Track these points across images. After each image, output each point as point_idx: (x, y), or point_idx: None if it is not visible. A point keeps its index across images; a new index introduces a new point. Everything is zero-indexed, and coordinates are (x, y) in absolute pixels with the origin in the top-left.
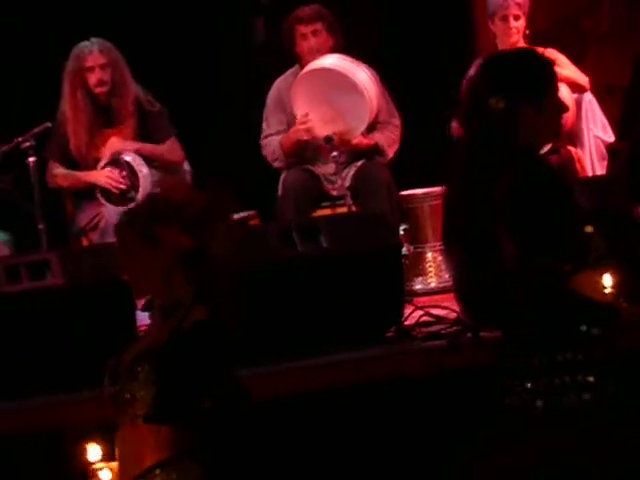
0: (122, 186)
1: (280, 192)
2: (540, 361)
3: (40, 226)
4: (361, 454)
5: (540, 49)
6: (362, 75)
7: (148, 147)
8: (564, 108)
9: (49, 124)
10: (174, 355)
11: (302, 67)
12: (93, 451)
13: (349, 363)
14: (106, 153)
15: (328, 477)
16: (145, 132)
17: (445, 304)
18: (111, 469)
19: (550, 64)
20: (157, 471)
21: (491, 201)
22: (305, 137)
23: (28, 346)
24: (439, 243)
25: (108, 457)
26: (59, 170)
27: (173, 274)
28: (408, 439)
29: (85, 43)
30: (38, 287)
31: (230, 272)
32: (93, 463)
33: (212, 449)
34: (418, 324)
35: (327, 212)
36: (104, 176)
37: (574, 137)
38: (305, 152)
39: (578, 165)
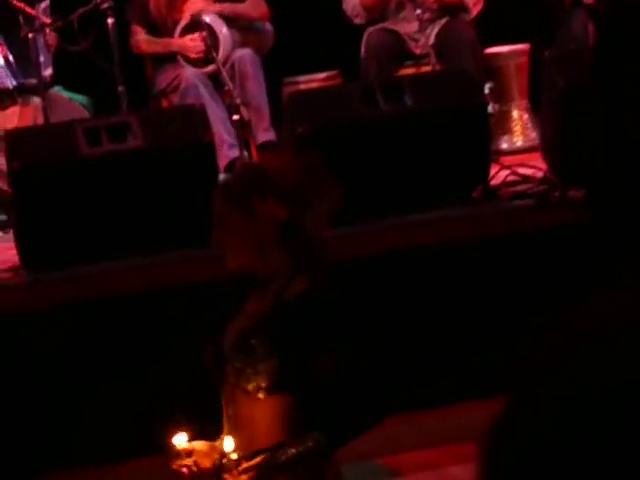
0: (201, 52)
1: (363, 51)
2: None
3: (120, 88)
4: (446, 314)
5: None
6: None
7: (229, 7)
8: None
9: None
10: (289, 323)
11: None
12: (180, 438)
13: (434, 223)
14: (186, 15)
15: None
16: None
17: (532, 163)
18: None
19: None
20: (309, 442)
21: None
22: None
23: (109, 210)
24: (525, 101)
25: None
26: (142, 36)
27: (269, 245)
28: (492, 301)
29: None
30: (119, 149)
31: (327, 243)
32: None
33: (332, 417)
34: (504, 184)
35: (411, 71)
36: (190, 45)
37: None
38: (387, 10)
39: None
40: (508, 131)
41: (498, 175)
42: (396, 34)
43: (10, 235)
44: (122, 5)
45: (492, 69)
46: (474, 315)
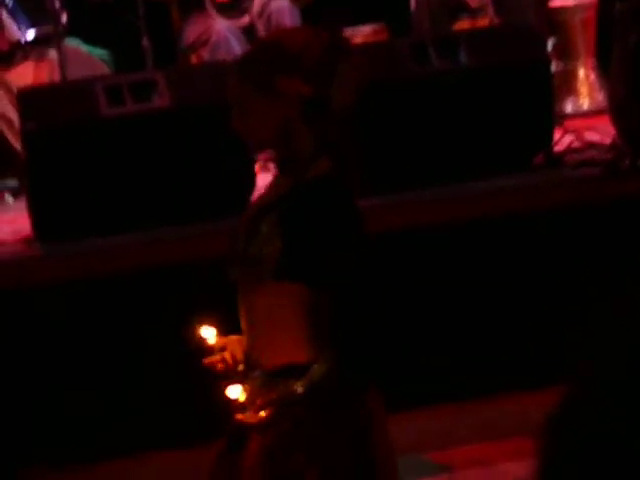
0: None
1: (413, 3)
2: None
3: (144, 42)
4: (505, 287)
5: None
6: None
7: None
8: None
9: None
10: (299, 208)
11: None
12: (207, 331)
13: (491, 193)
14: None
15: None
16: None
17: (600, 127)
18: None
19: None
20: (323, 364)
21: None
22: None
23: (131, 175)
24: (592, 59)
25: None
26: None
27: (293, 125)
28: (555, 281)
29: None
30: (143, 110)
31: (352, 122)
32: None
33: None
34: (569, 150)
35: (466, 24)
36: None
37: None
38: None
39: None
40: (573, 92)
41: (562, 141)
42: None
43: (22, 203)
44: None
45: (556, 23)
46: (534, 297)
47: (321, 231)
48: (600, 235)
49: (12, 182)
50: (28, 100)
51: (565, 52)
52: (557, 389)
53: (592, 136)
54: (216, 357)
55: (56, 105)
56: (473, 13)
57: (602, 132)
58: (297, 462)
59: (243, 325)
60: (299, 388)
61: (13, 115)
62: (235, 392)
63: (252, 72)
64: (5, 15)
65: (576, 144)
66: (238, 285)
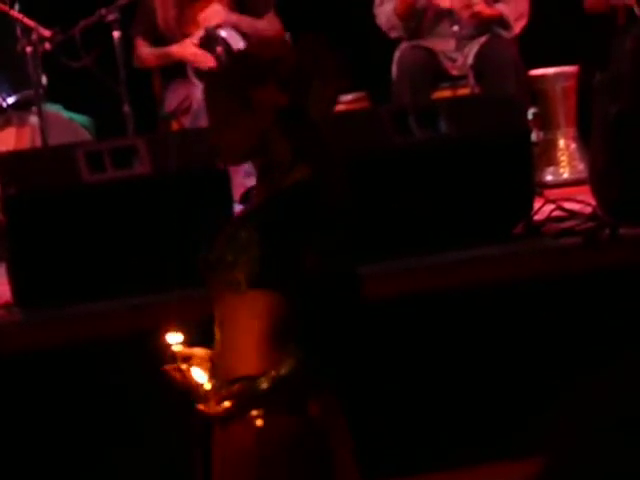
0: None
1: (394, 71)
2: None
3: (125, 109)
4: (486, 357)
5: None
6: None
7: (247, 21)
8: None
9: None
10: (276, 214)
11: None
12: (173, 337)
13: (472, 262)
14: (201, 26)
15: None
16: (242, 5)
17: (579, 197)
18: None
19: None
20: (287, 364)
21: None
22: None
23: (112, 242)
24: (572, 129)
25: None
26: (146, 49)
27: (270, 135)
28: (536, 345)
29: None
30: (124, 176)
31: (331, 129)
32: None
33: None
34: (549, 219)
35: (447, 93)
36: (190, 48)
37: None
38: (422, 26)
39: None
40: (554, 162)
41: (542, 210)
42: (431, 52)
43: (2, 268)
44: (129, 17)
45: (537, 93)
46: (514, 366)
47: (297, 238)
48: (580, 305)
49: None
50: (9, 165)
51: (545, 121)
52: (537, 460)
53: (572, 206)
54: (175, 366)
55: (37, 170)
56: (454, 82)
57: (582, 202)
58: (250, 461)
59: (216, 334)
60: (263, 384)
61: None
62: (201, 376)
63: (227, 84)
64: None
65: (556, 214)
66: (213, 294)
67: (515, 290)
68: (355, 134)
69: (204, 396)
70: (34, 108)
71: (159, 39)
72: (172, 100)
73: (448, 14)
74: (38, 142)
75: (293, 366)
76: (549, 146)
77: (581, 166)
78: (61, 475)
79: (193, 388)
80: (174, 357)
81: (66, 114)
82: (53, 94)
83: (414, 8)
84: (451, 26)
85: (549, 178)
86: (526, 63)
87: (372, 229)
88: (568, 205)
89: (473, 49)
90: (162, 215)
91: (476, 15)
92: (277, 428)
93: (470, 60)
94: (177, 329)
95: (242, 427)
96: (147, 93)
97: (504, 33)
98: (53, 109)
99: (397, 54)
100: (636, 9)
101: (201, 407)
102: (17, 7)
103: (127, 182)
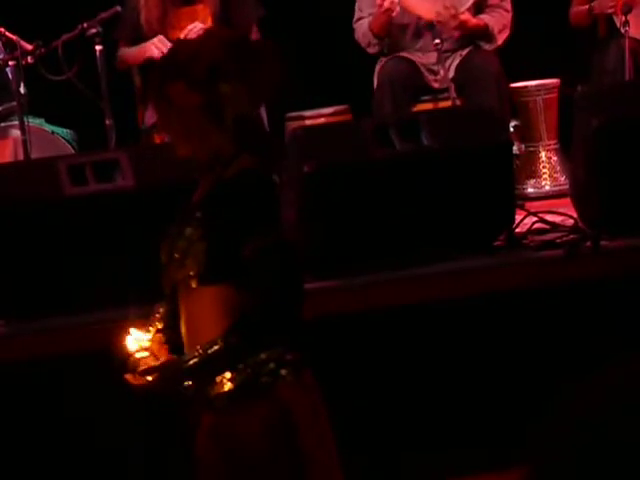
0: None
1: (375, 84)
2: None
3: (107, 122)
4: (466, 367)
5: None
6: None
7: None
8: None
9: (118, 8)
10: (218, 205)
11: None
12: (131, 340)
13: (453, 274)
14: (179, 34)
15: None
16: (226, 14)
17: (561, 209)
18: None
19: None
20: (214, 344)
21: None
22: (389, 13)
23: (94, 256)
24: (553, 142)
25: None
26: (124, 49)
27: (199, 129)
28: (517, 356)
29: None
30: (106, 189)
31: (258, 120)
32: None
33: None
34: (530, 232)
35: (428, 106)
36: (154, 45)
37: None
38: (403, 38)
39: None
40: (535, 174)
41: (523, 222)
42: (412, 65)
43: None
44: (110, 31)
45: (518, 105)
46: (495, 377)
47: (239, 227)
48: (561, 317)
49: None
50: None
51: (527, 134)
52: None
53: (553, 218)
54: (130, 362)
55: (19, 183)
56: (435, 94)
57: (563, 214)
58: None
59: (182, 327)
60: (190, 361)
61: None
62: (132, 344)
63: (152, 80)
64: None
65: (537, 226)
66: (168, 290)
67: (496, 302)
68: (337, 146)
69: (132, 366)
70: (17, 121)
71: (143, 41)
72: (153, 113)
73: (430, 28)
74: (21, 155)
75: (219, 347)
76: (530, 158)
77: (562, 178)
78: None
79: (125, 357)
80: (130, 356)
81: (48, 127)
82: (35, 107)
83: (388, 25)
84: (433, 39)
85: (530, 190)
86: (508, 75)
87: (354, 241)
88: (549, 217)
89: (454, 62)
90: (143, 228)
91: (462, 25)
92: (249, 414)
93: (451, 73)
94: (136, 328)
95: (219, 416)
96: (129, 106)
97: (486, 46)
98: (35, 122)
99: (378, 67)
100: (616, 20)
101: (128, 377)
102: None
103: (109, 195)
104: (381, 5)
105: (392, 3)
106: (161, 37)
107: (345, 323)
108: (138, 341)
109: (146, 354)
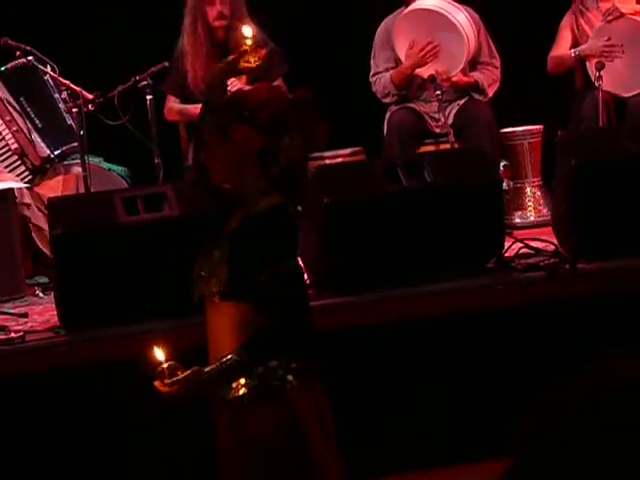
0: None
1: (386, 129)
2: None
3: (156, 160)
4: (457, 383)
5: None
6: (460, 16)
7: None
8: None
9: (166, 63)
10: (246, 234)
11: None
12: (159, 353)
13: (452, 292)
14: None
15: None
16: (257, 76)
17: (543, 237)
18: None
19: None
20: (230, 356)
21: None
22: (421, 65)
23: (146, 276)
24: (538, 179)
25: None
26: (174, 104)
27: (246, 167)
28: (505, 368)
29: None
30: (155, 218)
31: (305, 167)
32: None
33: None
34: (518, 256)
35: (431, 148)
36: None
37: None
38: (409, 92)
39: None
40: (521, 207)
41: (512, 248)
42: (417, 113)
43: (51, 296)
44: (159, 83)
45: (507, 148)
46: (480, 384)
47: (262, 254)
48: (544, 331)
49: (42, 279)
50: (56, 209)
51: (514, 172)
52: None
53: (537, 244)
54: (158, 371)
55: (80, 213)
56: (437, 138)
57: (546, 241)
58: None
59: (207, 337)
60: (209, 372)
61: (43, 222)
62: (160, 355)
63: (216, 118)
64: (35, 134)
65: (523, 251)
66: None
67: (487, 317)
68: (353, 182)
69: (159, 375)
70: (79, 160)
71: (188, 97)
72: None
73: (432, 81)
74: (82, 188)
75: (233, 360)
76: (518, 193)
77: (545, 210)
78: None
79: (153, 366)
80: (161, 370)
81: (106, 165)
82: (95, 148)
83: (410, 78)
84: (435, 91)
85: (517, 220)
86: (498, 122)
87: (367, 263)
88: (534, 243)
89: (453, 110)
90: (187, 251)
91: (454, 84)
92: (263, 418)
93: (450, 120)
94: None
95: (239, 416)
96: (175, 147)
97: (479, 97)
98: (95, 161)
99: (388, 115)
100: (591, 74)
101: (156, 384)
102: (57, 72)
103: (158, 223)
104: (422, 50)
105: (433, 49)
106: None
107: (359, 334)
108: (165, 353)
109: (172, 364)
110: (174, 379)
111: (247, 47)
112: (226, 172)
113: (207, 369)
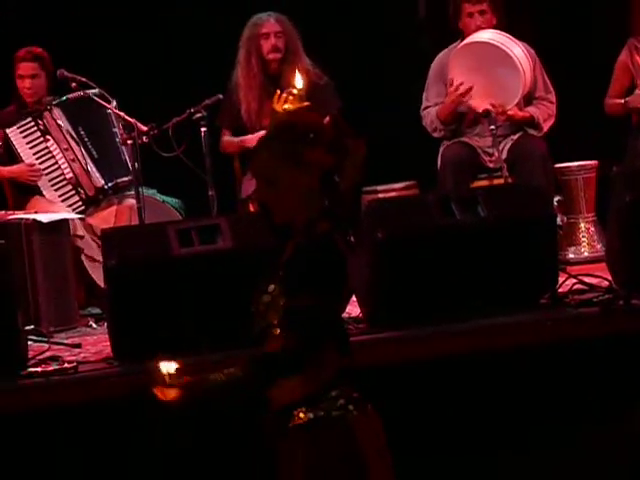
0: None
1: (439, 164)
2: None
3: (210, 193)
4: (512, 418)
5: None
6: (517, 50)
7: None
8: None
9: (220, 96)
10: (295, 263)
11: None
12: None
13: (505, 327)
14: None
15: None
16: (311, 104)
17: (597, 273)
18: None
19: None
20: (235, 369)
21: None
22: (458, 103)
23: (200, 307)
24: (592, 214)
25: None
26: (229, 137)
27: (313, 192)
28: (559, 403)
29: (261, 14)
30: (209, 250)
31: (355, 190)
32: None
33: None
34: (571, 291)
35: (484, 183)
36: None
37: None
38: (463, 126)
39: None
40: (575, 242)
41: (565, 283)
42: (471, 148)
43: (104, 327)
44: (214, 116)
45: (561, 183)
46: (531, 419)
47: (302, 281)
48: (599, 367)
49: (95, 310)
50: (110, 240)
51: (569, 208)
52: None
53: (591, 280)
54: (159, 377)
55: (134, 245)
56: (490, 173)
57: (600, 277)
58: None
59: None
60: (211, 383)
61: (96, 253)
62: (167, 367)
63: (279, 147)
64: (91, 164)
65: (577, 287)
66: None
67: (541, 353)
68: (407, 216)
69: (160, 380)
70: (133, 191)
71: (242, 129)
72: (248, 186)
73: (486, 115)
74: (136, 220)
75: (238, 376)
76: (572, 229)
77: (599, 246)
78: None
79: (155, 373)
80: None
81: (160, 197)
82: (149, 180)
83: (455, 114)
84: (489, 126)
85: (571, 256)
86: (553, 157)
87: (420, 296)
88: (587, 279)
89: (507, 145)
90: (241, 283)
91: (510, 118)
92: (325, 445)
93: (504, 155)
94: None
95: (297, 442)
96: (229, 180)
97: (534, 132)
98: (149, 192)
99: (442, 149)
100: None
101: (156, 389)
102: (114, 105)
103: (212, 255)
104: (457, 89)
105: (462, 95)
106: (262, 133)
107: (409, 369)
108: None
109: (173, 371)
110: (177, 383)
111: (292, 96)
112: (295, 204)
113: (209, 380)
